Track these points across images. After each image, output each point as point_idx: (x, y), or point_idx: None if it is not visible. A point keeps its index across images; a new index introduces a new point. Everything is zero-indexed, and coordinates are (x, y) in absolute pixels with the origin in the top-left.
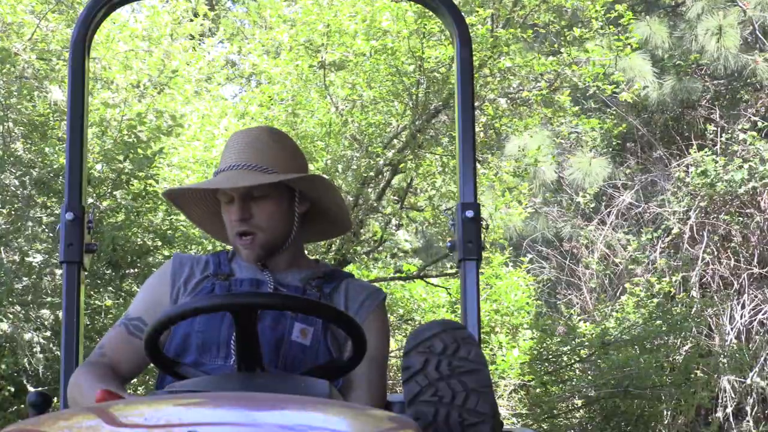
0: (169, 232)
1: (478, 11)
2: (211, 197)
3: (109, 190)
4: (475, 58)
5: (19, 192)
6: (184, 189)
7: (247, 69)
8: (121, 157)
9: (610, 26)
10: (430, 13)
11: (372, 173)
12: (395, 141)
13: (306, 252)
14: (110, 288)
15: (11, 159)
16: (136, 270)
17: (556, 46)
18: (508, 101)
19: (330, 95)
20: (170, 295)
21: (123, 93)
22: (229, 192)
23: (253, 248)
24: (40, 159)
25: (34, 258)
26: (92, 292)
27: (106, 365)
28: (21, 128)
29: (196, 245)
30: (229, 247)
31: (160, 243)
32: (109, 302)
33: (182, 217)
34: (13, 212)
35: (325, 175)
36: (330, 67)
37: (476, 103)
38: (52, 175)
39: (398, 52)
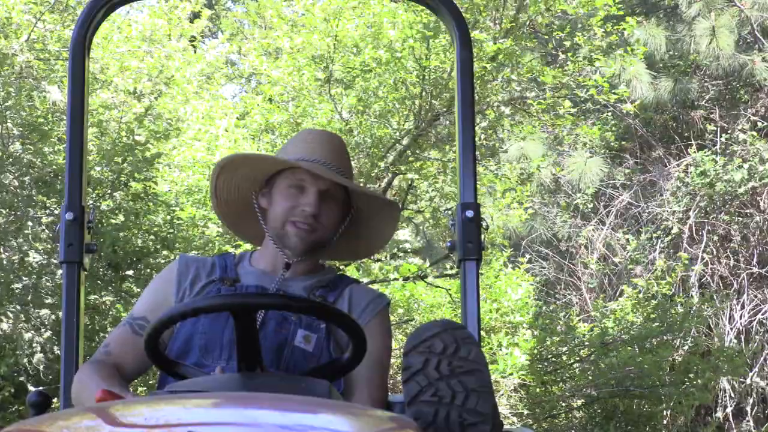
0: (170, 234)
1: (484, 25)
2: (261, 181)
3: (109, 192)
4: (478, 66)
5: (18, 192)
6: (274, 160)
7: (246, 69)
8: (119, 159)
9: (614, 30)
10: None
11: (373, 177)
12: (397, 145)
13: None
14: (110, 289)
15: (10, 160)
16: (135, 272)
17: (560, 53)
18: (511, 108)
19: (335, 102)
20: (175, 296)
21: (121, 95)
22: (310, 180)
23: (307, 240)
24: (39, 159)
25: (34, 258)
26: (92, 292)
27: (111, 364)
28: (20, 129)
29: (196, 250)
30: (232, 247)
31: (159, 246)
32: (109, 298)
33: (182, 219)
34: (12, 212)
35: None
36: (336, 83)
37: (477, 107)
38: (51, 175)
39: (403, 60)
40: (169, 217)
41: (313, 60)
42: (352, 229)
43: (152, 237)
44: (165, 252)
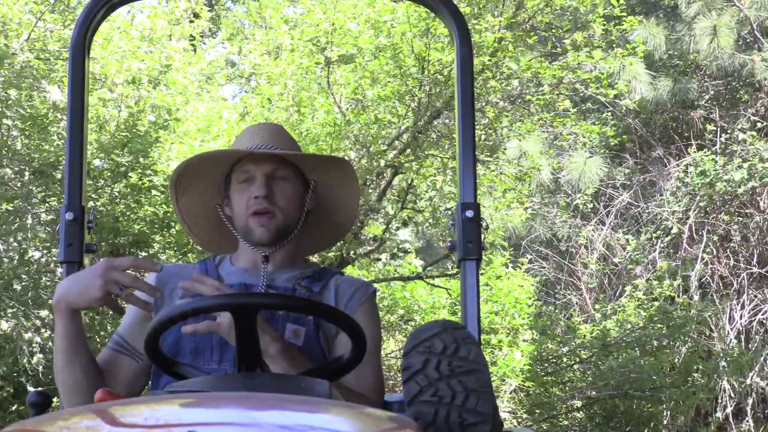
0: (167, 214)
1: (486, 17)
2: (215, 192)
3: (108, 184)
4: (477, 62)
5: (17, 186)
6: (208, 155)
7: (247, 69)
8: (118, 151)
9: (614, 30)
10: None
11: (373, 176)
12: (396, 143)
13: None
14: None
15: (9, 153)
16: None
17: (559, 49)
18: (510, 103)
19: (333, 94)
20: (155, 306)
21: (120, 89)
22: (254, 168)
23: (270, 227)
24: (38, 154)
25: (32, 255)
26: None
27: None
28: (19, 123)
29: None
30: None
31: (156, 229)
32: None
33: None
34: (11, 208)
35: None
36: (335, 63)
37: (477, 105)
38: (50, 165)
39: (402, 53)
40: (167, 205)
41: (311, 43)
42: (319, 207)
43: (151, 223)
44: (165, 235)
